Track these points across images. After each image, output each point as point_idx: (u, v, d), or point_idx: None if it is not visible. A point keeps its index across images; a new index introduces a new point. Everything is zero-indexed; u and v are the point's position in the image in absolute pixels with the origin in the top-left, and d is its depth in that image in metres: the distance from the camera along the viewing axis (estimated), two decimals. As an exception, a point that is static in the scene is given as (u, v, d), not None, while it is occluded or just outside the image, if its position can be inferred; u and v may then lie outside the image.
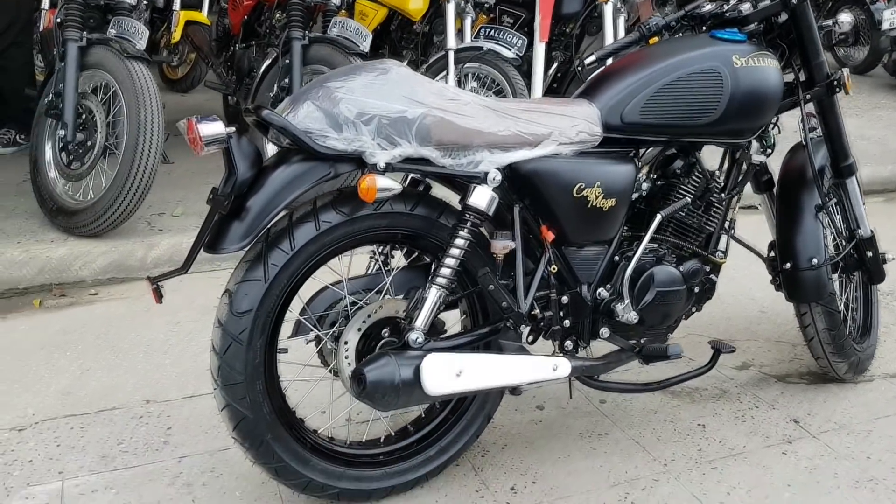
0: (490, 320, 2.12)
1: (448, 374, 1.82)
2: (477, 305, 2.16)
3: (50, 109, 3.62)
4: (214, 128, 1.79)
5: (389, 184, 1.83)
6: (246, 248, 1.84)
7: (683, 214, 2.26)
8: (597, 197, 2.06)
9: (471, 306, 2.17)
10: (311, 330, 2.04)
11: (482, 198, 1.94)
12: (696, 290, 2.31)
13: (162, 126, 3.50)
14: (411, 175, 2.03)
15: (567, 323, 2.14)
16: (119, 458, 2.26)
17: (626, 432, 2.48)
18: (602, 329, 2.19)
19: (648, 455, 2.38)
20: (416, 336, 1.91)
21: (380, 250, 2.25)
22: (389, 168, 1.86)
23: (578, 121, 2.05)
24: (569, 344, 2.17)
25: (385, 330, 2.01)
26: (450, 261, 1.95)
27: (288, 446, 1.95)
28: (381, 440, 2.15)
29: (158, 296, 1.85)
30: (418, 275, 2.18)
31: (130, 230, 3.68)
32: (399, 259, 2.26)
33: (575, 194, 2.04)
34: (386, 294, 2.10)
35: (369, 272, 2.24)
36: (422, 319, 1.92)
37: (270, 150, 2.18)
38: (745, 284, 3.42)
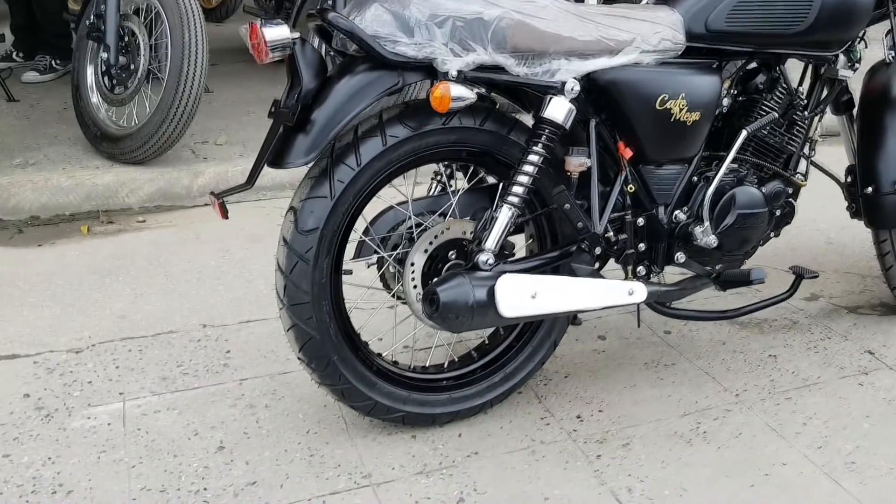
0: (560, 243, 2.03)
1: (523, 295, 1.74)
2: (545, 228, 2.07)
3: (91, 32, 3.53)
4: (280, 31, 1.69)
5: (464, 92, 1.73)
6: (311, 163, 1.76)
7: (766, 132, 2.14)
8: (681, 110, 1.94)
9: (538, 229, 2.09)
10: (375, 252, 1.97)
11: (559, 110, 1.83)
12: (777, 213, 2.20)
13: (206, 48, 3.40)
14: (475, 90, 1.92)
15: (641, 246, 2.05)
16: (180, 379, 2.24)
17: (694, 363, 2.41)
18: (677, 254, 2.09)
19: (719, 385, 2.30)
20: (486, 257, 1.83)
21: (444, 170, 2.17)
22: (461, 77, 1.76)
23: (661, 27, 1.92)
24: (641, 269, 2.07)
25: (452, 252, 1.93)
26: (523, 178, 1.85)
27: (354, 368, 1.90)
28: (445, 366, 2.09)
29: (224, 210, 1.78)
30: (483, 196, 2.09)
31: (175, 158, 3.62)
32: (461, 184, 2.17)
33: (657, 107, 1.92)
34: (451, 215, 2.02)
35: (432, 193, 2.15)
36: (492, 240, 1.84)
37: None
38: (809, 216, 3.28)
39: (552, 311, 1.80)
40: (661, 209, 2.06)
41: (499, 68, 1.79)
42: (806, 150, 2.30)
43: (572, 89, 1.83)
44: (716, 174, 2.07)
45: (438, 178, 2.18)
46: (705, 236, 2.06)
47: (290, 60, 1.75)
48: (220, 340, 2.44)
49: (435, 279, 1.83)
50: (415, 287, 1.92)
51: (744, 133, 2.09)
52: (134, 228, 3.28)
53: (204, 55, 3.38)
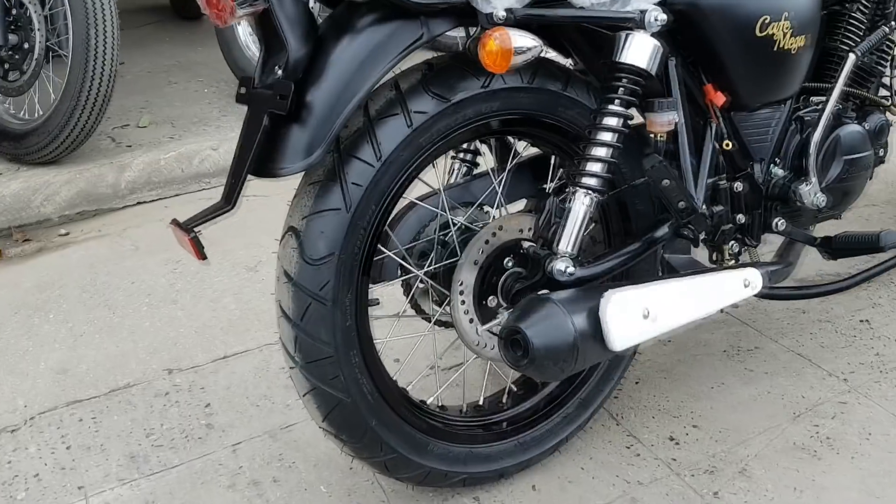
0: (635, 229, 1.55)
1: (634, 317, 1.26)
2: (609, 212, 1.59)
3: (-33, 7, 2.84)
4: (247, -19, 1.14)
5: (527, 40, 1.22)
6: (314, 165, 1.23)
7: (872, 53, 1.69)
8: (784, 34, 1.47)
9: (602, 214, 1.60)
10: (401, 270, 1.47)
11: (642, 50, 1.33)
12: (880, 153, 1.78)
13: (116, 12, 2.76)
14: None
15: (741, 218, 1.59)
16: (153, 456, 1.71)
17: (780, 342, 1.99)
18: (776, 220, 1.64)
19: (819, 369, 1.89)
20: (564, 265, 1.34)
21: (468, 147, 1.66)
22: (510, 19, 1.24)
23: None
24: (734, 246, 1.62)
25: (508, 259, 1.45)
26: (600, 151, 1.36)
27: (398, 431, 1.41)
28: (504, 401, 1.62)
29: (199, 249, 1.23)
30: (527, 175, 1.60)
31: (93, 151, 3.00)
32: (486, 160, 1.67)
33: (758, 33, 1.45)
34: (494, 206, 1.52)
35: (457, 178, 1.65)
36: (568, 240, 1.35)
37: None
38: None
39: (667, 329, 1.34)
40: (757, 167, 1.61)
41: (555, 1, 1.29)
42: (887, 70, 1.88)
43: (656, 19, 1.32)
44: (821, 114, 1.62)
45: (461, 155, 1.68)
46: (812, 194, 1.62)
47: (264, 18, 1.21)
48: (193, 390, 1.91)
49: (508, 309, 1.34)
50: (466, 313, 1.43)
51: (852, 57, 1.64)
52: (57, 245, 2.67)
53: (114, 20, 2.74)
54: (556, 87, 1.42)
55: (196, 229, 1.24)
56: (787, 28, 1.47)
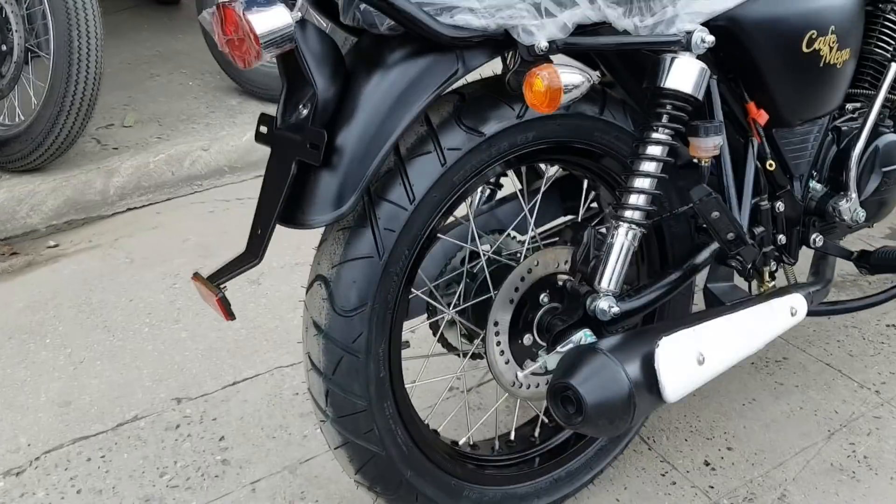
0: (671, 256, 1.48)
1: (690, 363, 1.20)
2: (646, 237, 1.51)
3: (-62, 7, 2.68)
4: (276, 17, 1.05)
5: (577, 76, 1.13)
6: (346, 215, 1.14)
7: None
8: (831, 49, 1.40)
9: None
10: (430, 308, 1.39)
11: (688, 74, 1.25)
12: None
13: (98, 8, 2.62)
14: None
15: (781, 239, 1.52)
16: (169, 498, 1.63)
17: (807, 352, 1.95)
18: (814, 235, 1.58)
19: (850, 381, 1.85)
20: (607, 304, 1.27)
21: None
22: (554, 49, 1.15)
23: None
24: (773, 264, 1.55)
25: (544, 295, 1.37)
26: (642, 182, 1.28)
27: (434, 480, 1.35)
28: (536, 435, 1.55)
29: (227, 310, 1.14)
30: (557, 197, 1.53)
31: (79, 156, 2.88)
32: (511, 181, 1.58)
33: (805, 49, 1.37)
34: (533, 238, 1.44)
35: (482, 203, 1.57)
36: (610, 277, 1.28)
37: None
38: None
39: (720, 372, 1.27)
40: (797, 183, 1.54)
41: (598, 27, 1.20)
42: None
43: (702, 41, 1.24)
44: (862, 125, 1.55)
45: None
46: (852, 210, 1.55)
47: (288, 56, 1.11)
48: (205, 421, 1.83)
49: (552, 361, 1.27)
50: (503, 353, 1.36)
51: (894, 66, 1.56)
52: (46, 259, 2.56)
53: (97, 18, 2.61)
54: (593, 111, 1.34)
55: (223, 286, 1.15)
56: (833, 42, 1.39)
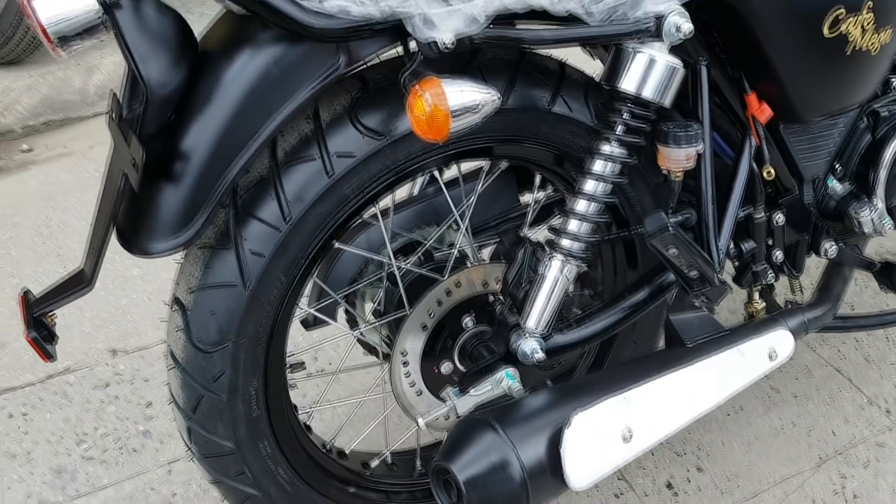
0: (640, 271, 1.23)
1: (610, 442, 0.97)
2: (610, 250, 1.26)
3: None
4: (71, 2, 0.79)
5: (475, 93, 0.86)
6: (191, 241, 0.92)
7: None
8: (864, 31, 1.06)
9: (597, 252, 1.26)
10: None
11: (653, 73, 0.96)
12: None
13: None
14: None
15: (778, 256, 1.24)
16: (81, 471, 1.53)
17: (817, 351, 1.69)
18: (826, 244, 1.29)
19: (858, 394, 1.60)
20: (531, 348, 1.05)
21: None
22: (466, 44, 0.87)
23: None
24: (769, 277, 1.28)
25: (467, 317, 1.15)
26: (588, 206, 1.02)
27: (328, 514, 1.19)
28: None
29: (42, 351, 0.95)
30: (503, 188, 1.27)
31: (61, 45, 2.66)
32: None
33: (827, 32, 1.04)
34: (450, 235, 1.20)
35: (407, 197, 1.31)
36: (538, 318, 1.05)
37: None
38: None
39: (653, 444, 1.04)
40: (809, 186, 1.24)
41: (528, 14, 0.90)
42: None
43: (678, 29, 0.93)
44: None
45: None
46: (878, 219, 1.25)
47: (119, 39, 0.86)
48: (136, 382, 1.70)
49: (462, 405, 1.06)
50: (412, 385, 1.16)
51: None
52: (17, 165, 2.42)
53: None
54: (540, 102, 1.05)
55: (50, 314, 0.96)
56: (867, 22, 1.05)
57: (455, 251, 1.16)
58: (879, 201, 1.25)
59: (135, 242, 0.92)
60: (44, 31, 0.78)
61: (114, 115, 0.95)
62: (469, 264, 1.16)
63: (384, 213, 1.18)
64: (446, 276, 1.12)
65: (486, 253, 1.29)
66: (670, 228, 1.01)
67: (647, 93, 0.95)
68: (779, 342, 1.16)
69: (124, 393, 1.68)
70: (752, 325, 1.19)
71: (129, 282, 1.95)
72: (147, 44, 0.85)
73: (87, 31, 0.80)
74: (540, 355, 1.04)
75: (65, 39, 0.80)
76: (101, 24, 0.80)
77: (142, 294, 1.91)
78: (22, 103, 2.52)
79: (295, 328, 1.16)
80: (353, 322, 1.26)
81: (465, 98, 0.84)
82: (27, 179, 2.35)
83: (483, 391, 1.08)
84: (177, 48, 0.87)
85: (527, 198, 1.28)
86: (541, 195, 1.27)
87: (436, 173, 1.21)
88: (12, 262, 2.04)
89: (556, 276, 1.03)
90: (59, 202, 2.23)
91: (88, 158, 2.41)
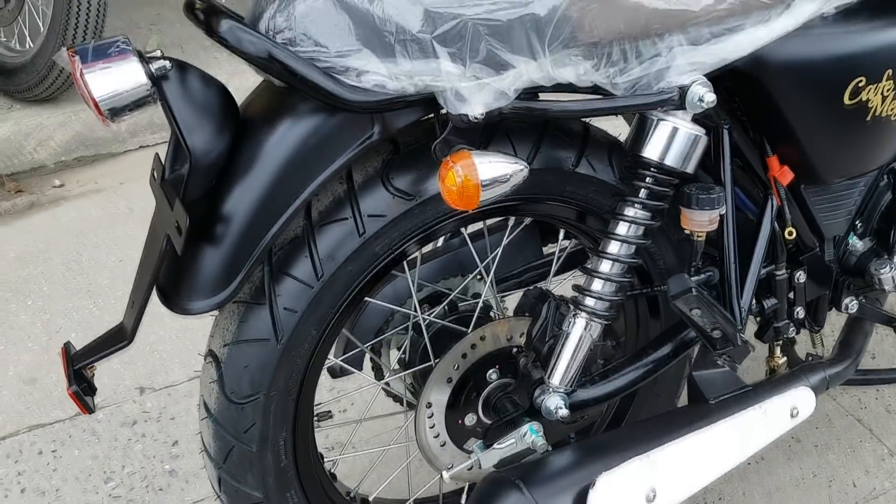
0: (663, 325, 1.25)
1: (634, 502, 0.99)
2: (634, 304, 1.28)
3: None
4: (123, 76, 0.83)
5: (504, 166, 0.89)
6: (227, 301, 0.95)
7: None
8: (885, 98, 1.09)
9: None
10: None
11: (676, 142, 0.98)
12: None
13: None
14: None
15: (799, 312, 1.26)
16: (107, 511, 1.56)
17: (838, 401, 1.70)
18: (847, 299, 1.31)
19: (880, 445, 1.60)
20: (555, 404, 1.07)
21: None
22: (495, 115, 0.90)
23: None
24: (791, 331, 1.29)
25: (492, 370, 1.17)
26: (613, 268, 1.04)
27: (352, 563, 1.21)
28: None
29: (83, 404, 0.99)
30: (527, 242, 1.30)
31: (94, 82, 2.73)
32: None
33: (847, 101, 1.06)
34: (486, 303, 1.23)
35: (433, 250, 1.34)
36: (562, 374, 1.07)
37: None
38: None
39: (681, 500, 1.06)
40: (830, 243, 1.26)
41: (555, 86, 0.93)
42: None
43: (700, 100, 0.96)
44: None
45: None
46: (895, 272, 1.27)
47: (166, 110, 0.90)
48: (163, 420, 1.74)
49: (487, 459, 1.08)
50: (437, 437, 1.18)
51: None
52: (49, 200, 2.48)
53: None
54: (566, 163, 1.08)
55: (90, 367, 1.00)
56: (887, 90, 1.07)
57: (480, 303, 1.19)
58: (900, 259, 1.27)
59: (175, 301, 0.96)
60: (96, 104, 0.82)
61: (156, 176, 0.99)
62: (494, 315, 1.19)
63: (411, 264, 1.21)
64: (471, 330, 1.15)
65: (511, 300, 1.32)
66: (693, 291, 1.03)
67: (671, 160, 0.98)
68: (800, 400, 1.17)
69: (151, 431, 1.71)
70: (773, 382, 1.20)
71: (157, 319, 1.97)
72: (192, 113, 0.89)
73: (136, 103, 0.84)
74: (564, 412, 1.06)
75: (115, 111, 0.84)
76: (150, 96, 0.84)
77: (170, 331, 1.95)
78: (55, 139, 2.59)
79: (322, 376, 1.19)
80: (378, 370, 1.29)
81: (494, 170, 0.87)
82: (59, 215, 2.40)
83: (507, 445, 1.10)
84: (220, 117, 0.91)
85: (550, 248, 1.31)
86: (566, 243, 1.30)
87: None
88: (44, 297, 2.08)
89: (580, 335, 1.05)
90: (90, 238, 2.28)
91: (119, 195, 2.47)
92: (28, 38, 2.58)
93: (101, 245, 2.25)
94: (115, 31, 2.65)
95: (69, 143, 2.60)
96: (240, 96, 0.99)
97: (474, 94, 0.87)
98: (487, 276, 1.20)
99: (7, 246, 2.27)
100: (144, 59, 0.85)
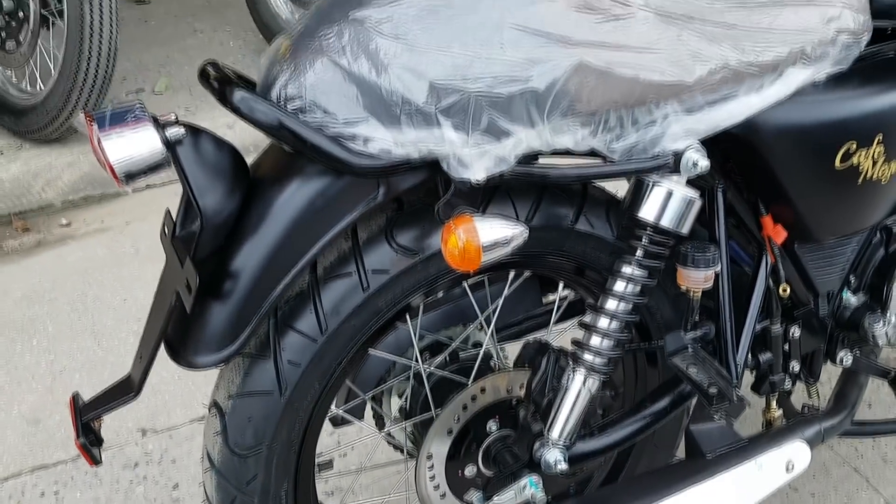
0: (660, 377, 1.27)
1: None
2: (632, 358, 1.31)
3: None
4: (139, 142, 0.87)
5: (505, 229, 0.92)
6: (233, 357, 0.98)
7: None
8: (875, 162, 1.12)
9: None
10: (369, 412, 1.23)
11: (671, 205, 1.01)
12: None
13: (115, -18, 2.48)
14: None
15: (794, 366, 1.28)
16: (108, 556, 1.57)
17: (835, 449, 1.71)
18: (842, 353, 1.33)
19: (876, 495, 1.62)
20: (554, 458, 1.09)
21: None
22: (496, 178, 0.93)
23: (834, 8, 1.05)
24: (786, 384, 1.31)
25: (491, 422, 1.19)
26: (611, 324, 1.07)
27: None
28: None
29: (90, 456, 1.01)
30: (527, 294, 1.32)
31: (103, 122, 2.78)
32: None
33: (838, 165, 1.10)
34: (485, 356, 1.25)
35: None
36: (562, 428, 1.09)
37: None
38: None
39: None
40: (824, 299, 1.28)
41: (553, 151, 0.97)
42: None
43: (695, 164, 0.99)
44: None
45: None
46: (890, 332, 1.29)
47: (180, 173, 0.93)
48: (164, 463, 1.75)
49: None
50: (437, 488, 1.20)
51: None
52: (56, 239, 2.51)
53: (113, -9, 2.46)
54: (564, 221, 1.11)
55: (98, 419, 1.02)
56: (878, 154, 1.11)
57: (481, 352, 1.21)
58: (893, 315, 1.29)
59: (182, 355, 0.98)
60: (111, 169, 0.86)
61: (167, 232, 1.02)
62: (493, 365, 1.21)
63: (412, 313, 1.24)
64: (472, 381, 1.17)
65: (512, 347, 1.34)
66: (689, 349, 1.05)
67: (666, 222, 1.01)
68: (796, 454, 1.19)
69: (152, 474, 1.73)
70: (769, 436, 1.22)
71: (160, 360, 1.99)
72: (204, 176, 0.92)
73: (151, 168, 0.87)
74: (563, 466, 1.08)
75: (130, 175, 0.87)
76: (164, 161, 0.88)
77: (172, 373, 1.97)
78: (63, 179, 2.63)
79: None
80: (379, 419, 1.30)
81: (495, 234, 0.90)
82: (65, 254, 2.43)
83: (507, 497, 1.11)
84: (231, 179, 0.94)
85: (551, 297, 1.34)
86: (565, 293, 1.32)
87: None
88: (49, 337, 2.11)
89: (578, 389, 1.07)
90: (96, 277, 2.31)
91: (125, 234, 2.50)
92: (39, 80, 2.64)
93: (107, 284, 2.28)
94: (125, 73, 2.74)
95: (77, 183, 2.64)
96: (246, 136, 1.00)
97: (476, 160, 0.90)
98: (488, 326, 1.23)
99: (14, 285, 2.30)
100: (159, 125, 0.88)
